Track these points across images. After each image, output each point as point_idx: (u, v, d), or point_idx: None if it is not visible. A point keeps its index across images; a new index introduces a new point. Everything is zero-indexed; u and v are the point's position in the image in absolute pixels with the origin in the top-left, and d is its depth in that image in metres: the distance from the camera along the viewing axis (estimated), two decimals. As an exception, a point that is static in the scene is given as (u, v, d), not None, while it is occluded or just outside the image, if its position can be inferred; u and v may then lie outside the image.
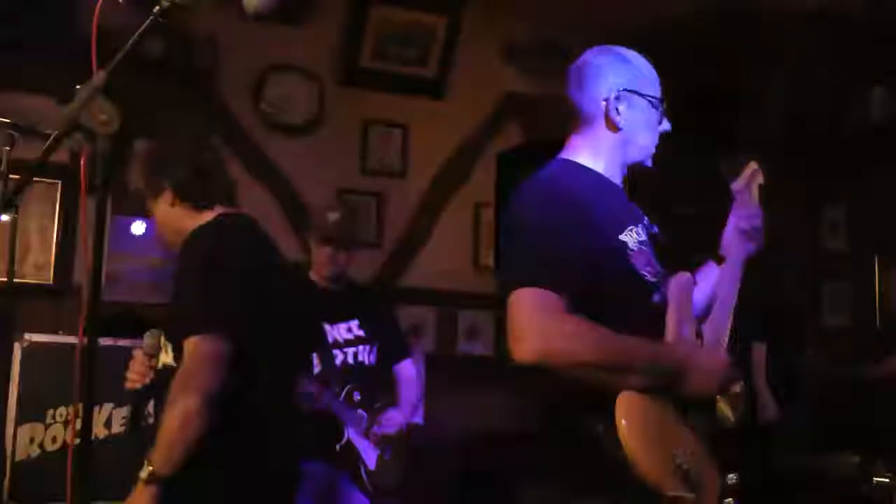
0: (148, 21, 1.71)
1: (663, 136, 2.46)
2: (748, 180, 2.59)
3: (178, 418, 2.49)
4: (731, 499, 2.18)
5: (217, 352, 2.54)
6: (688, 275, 2.33)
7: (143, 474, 2.46)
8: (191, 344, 2.53)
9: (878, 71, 5.59)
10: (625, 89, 2.37)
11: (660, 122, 2.43)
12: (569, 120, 2.44)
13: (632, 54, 2.45)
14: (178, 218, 2.81)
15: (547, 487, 2.23)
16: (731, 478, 2.19)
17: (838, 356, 5.65)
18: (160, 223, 2.89)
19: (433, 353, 5.50)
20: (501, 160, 5.60)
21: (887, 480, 3.90)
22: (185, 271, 2.69)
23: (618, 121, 2.37)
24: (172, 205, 2.82)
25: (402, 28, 5.57)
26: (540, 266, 2.11)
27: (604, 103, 2.37)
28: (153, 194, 2.84)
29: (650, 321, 2.21)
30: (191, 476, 2.52)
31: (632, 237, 2.27)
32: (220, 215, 2.80)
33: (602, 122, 2.38)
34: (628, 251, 2.24)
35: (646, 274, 2.25)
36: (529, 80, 5.87)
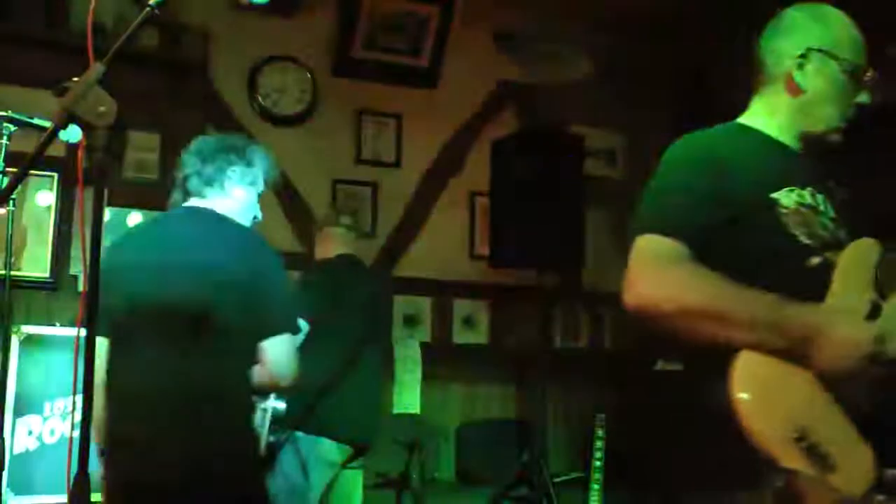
0: (144, 13, 1.71)
1: (858, 109, 2.22)
2: None
3: None
4: (883, 496, 1.87)
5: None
6: (870, 240, 2.12)
7: None
8: None
9: (873, 55, 5.58)
10: (815, 48, 2.18)
11: (854, 93, 2.21)
12: (752, 78, 2.28)
13: (834, 13, 2.24)
14: None
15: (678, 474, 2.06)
16: (894, 474, 1.88)
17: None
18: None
19: (429, 342, 5.53)
20: (496, 149, 5.60)
21: None
22: None
23: (800, 83, 2.18)
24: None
25: (394, 18, 5.56)
26: (661, 214, 2.03)
27: (788, 62, 2.19)
28: None
29: (803, 283, 2.00)
30: None
31: (791, 197, 2.09)
32: None
33: (783, 84, 2.21)
34: (779, 209, 2.07)
35: (798, 234, 2.07)
36: (523, 67, 5.87)
